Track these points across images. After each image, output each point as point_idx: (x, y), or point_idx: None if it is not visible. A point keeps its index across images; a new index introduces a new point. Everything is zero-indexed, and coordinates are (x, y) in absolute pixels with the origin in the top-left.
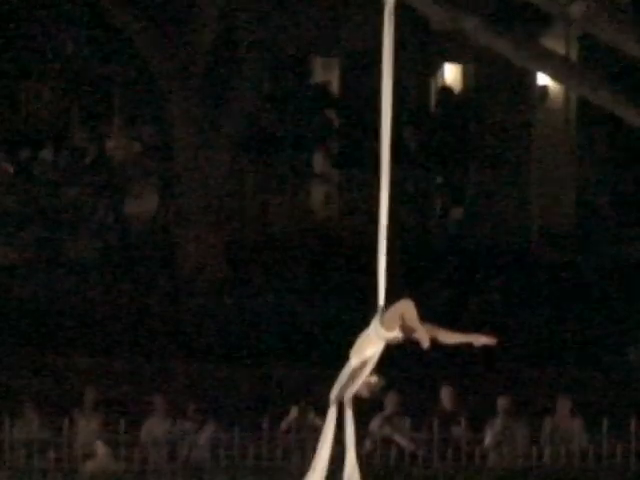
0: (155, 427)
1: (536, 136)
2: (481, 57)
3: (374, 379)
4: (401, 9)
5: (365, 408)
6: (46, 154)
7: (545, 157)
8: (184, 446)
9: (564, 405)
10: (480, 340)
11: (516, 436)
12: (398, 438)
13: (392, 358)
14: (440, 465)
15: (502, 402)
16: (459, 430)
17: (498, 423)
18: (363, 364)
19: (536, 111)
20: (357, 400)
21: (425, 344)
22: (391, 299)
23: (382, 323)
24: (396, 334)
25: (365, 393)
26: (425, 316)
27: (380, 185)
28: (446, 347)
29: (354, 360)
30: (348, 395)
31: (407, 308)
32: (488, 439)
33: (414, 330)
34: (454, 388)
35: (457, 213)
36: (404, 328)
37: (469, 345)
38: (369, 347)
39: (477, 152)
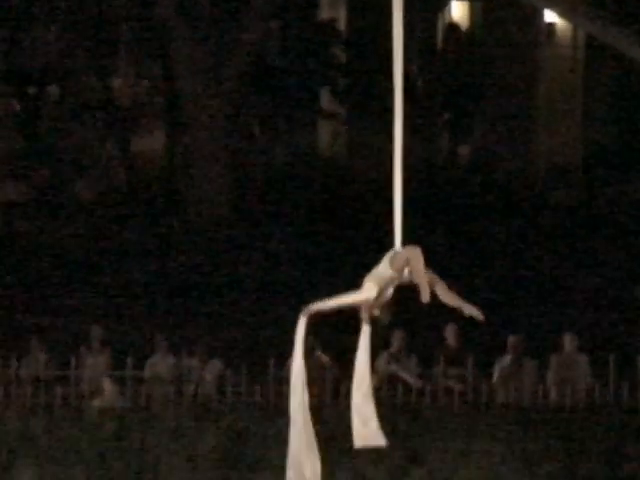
0: (159, 365)
1: (543, 73)
2: None
3: (376, 312)
4: None
5: (371, 346)
6: (52, 92)
7: (552, 95)
8: (190, 384)
9: (570, 342)
10: (471, 311)
11: (523, 374)
12: (404, 375)
13: (399, 295)
14: (446, 402)
15: (512, 340)
16: (465, 367)
17: (507, 361)
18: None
19: (543, 49)
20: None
21: (425, 296)
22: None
23: (391, 263)
24: (401, 275)
25: (365, 318)
26: (430, 256)
27: (393, 125)
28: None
29: (366, 285)
30: (366, 314)
31: (414, 256)
32: (496, 376)
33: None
34: (459, 326)
35: (464, 151)
36: (409, 273)
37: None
38: (380, 281)
39: (484, 90)
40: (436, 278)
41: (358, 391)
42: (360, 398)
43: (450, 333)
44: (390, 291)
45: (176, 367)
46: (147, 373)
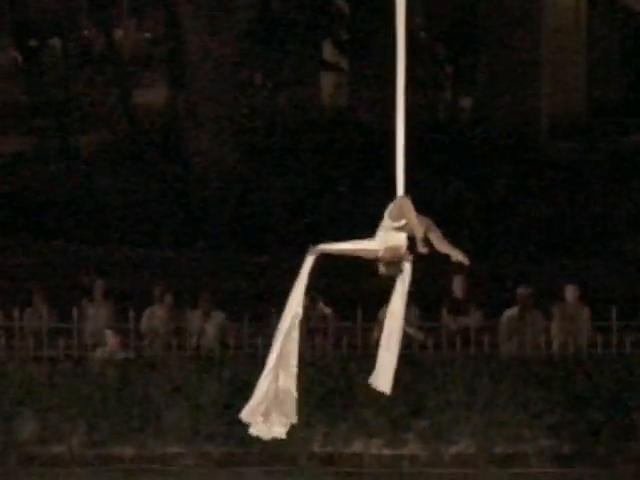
0: (156, 316)
1: (546, 24)
2: None
3: (382, 269)
4: None
5: (373, 298)
6: (55, 44)
7: (555, 46)
8: (192, 335)
9: (572, 293)
10: (458, 257)
11: (527, 326)
12: (406, 327)
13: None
14: (449, 354)
15: (521, 292)
16: (469, 319)
17: (514, 312)
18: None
19: (546, 0)
20: (366, 292)
21: (418, 238)
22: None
23: (390, 214)
24: (401, 226)
25: (382, 271)
26: (433, 208)
27: (396, 76)
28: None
29: (377, 236)
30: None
31: (405, 204)
32: (503, 328)
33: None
34: (466, 278)
35: (467, 103)
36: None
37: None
38: (387, 232)
39: (487, 42)
40: (432, 226)
41: (389, 338)
42: (388, 346)
43: (457, 285)
44: (400, 246)
45: (171, 318)
46: (144, 325)
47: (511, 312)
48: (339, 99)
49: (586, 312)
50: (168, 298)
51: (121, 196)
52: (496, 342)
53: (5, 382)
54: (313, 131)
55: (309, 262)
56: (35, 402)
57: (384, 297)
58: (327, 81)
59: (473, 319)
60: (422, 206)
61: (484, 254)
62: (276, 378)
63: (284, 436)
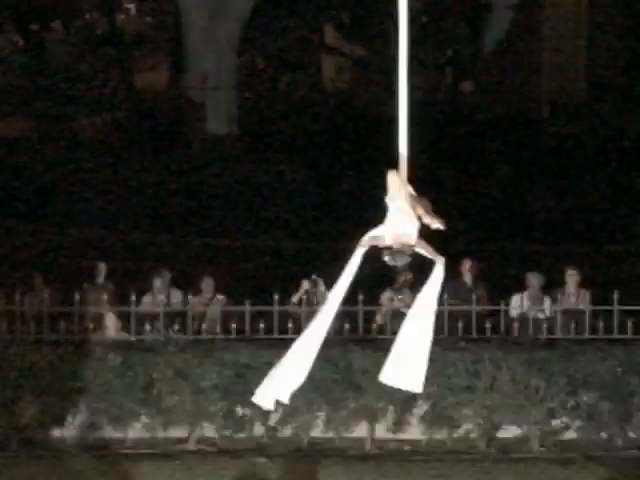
0: (156, 300)
1: (547, 8)
2: None
3: (389, 260)
4: None
5: (375, 282)
6: (56, 27)
7: (556, 28)
8: (195, 319)
9: (572, 277)
10: (432, 222)
11: (532, 311)
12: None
13: None
14: (451, 338)
15: (530, 277)
16: (472, 304)
17: (526, 297)
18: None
19: None
20: (368, 275)
21: (406, 201)
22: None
23: (389, 199)
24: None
25: (387, 260)
26: (435, 190)
27: (398, 58)
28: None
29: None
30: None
31: (390, 176)
32: (513, 312)
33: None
34: (474, 262)
35: (467, 85)
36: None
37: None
38: (393, 218)
39: (487, 23)
40: (423, 199)
41: (416, 340)
42: (420, 342)
43: (465, 268)
44: (409, 235)
45: (170, 303)
46: (142, 309)
47: (519, 297)
48: (341, 82)
49: (587, 296)
50: (162, 282)
51: (122, 179)
52: (498, 326)
53: (6, 366)
54: (314, 114)
55: (360, 253)
56: (36, 386)
57: (386, 281)
58: (329, 65)
59: (476, 304)
60: (424, 190)
61: (483, 238)
62: (296, 359)
63: (272, 408)
